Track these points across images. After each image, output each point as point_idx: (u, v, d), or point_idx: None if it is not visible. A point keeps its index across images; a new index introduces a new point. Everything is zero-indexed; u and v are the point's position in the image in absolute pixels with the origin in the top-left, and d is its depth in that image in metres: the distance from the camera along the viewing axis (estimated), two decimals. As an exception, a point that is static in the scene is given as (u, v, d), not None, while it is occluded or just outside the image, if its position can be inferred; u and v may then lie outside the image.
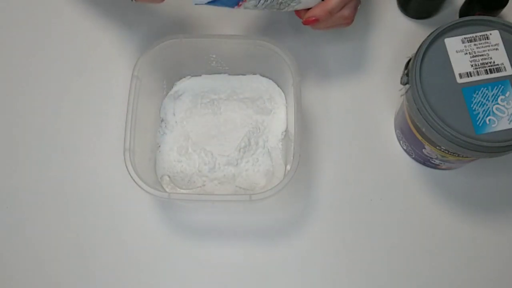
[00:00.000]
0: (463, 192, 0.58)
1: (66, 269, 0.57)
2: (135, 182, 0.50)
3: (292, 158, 0.51)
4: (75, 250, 0.57)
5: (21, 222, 0.58)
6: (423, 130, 0.48)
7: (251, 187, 0.57)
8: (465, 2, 0.63)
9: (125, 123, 0.52)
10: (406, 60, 0.50)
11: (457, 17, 0.63)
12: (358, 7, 0.54)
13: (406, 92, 0.49)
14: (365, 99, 0.61)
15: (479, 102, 0.46)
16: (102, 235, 0.58)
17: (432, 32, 0.48)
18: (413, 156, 0.58)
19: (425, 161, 0.57)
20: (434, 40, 0.48)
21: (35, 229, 0.58)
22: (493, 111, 0.46)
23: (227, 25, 0.64)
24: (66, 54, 0.63)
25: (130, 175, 0.50)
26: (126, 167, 0.50)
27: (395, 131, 0.59)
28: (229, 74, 0.61)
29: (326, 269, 0.57)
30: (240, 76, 0.61)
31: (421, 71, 0.47)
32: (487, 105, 0.46)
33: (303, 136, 0.53)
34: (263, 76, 0.61)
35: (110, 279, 0.57)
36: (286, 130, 0.59)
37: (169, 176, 0.58)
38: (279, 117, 0.60)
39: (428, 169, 0.59)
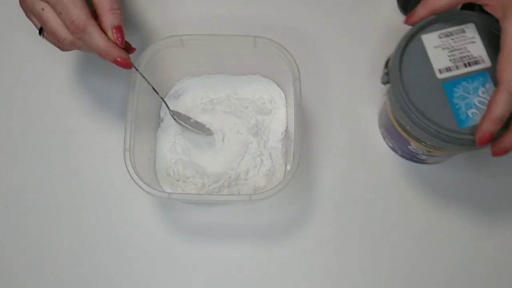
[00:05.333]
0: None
1: (66, 268, 0.57)
2: (135, 182, 0.50)
3: (292, 158, 0.51)
4: (75, 250, 0.57)
5: (21, 222, 0.58)
6: (407, 128, 0.48)
7: (251, 187, 0.57)
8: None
9: (125, 123, 0.52)
10: (385, 59, 0.50)
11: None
12: None
13: (388, 91, 0.49)
14: (365, 99, 0.61)
15: (460, 96, 0.46)
16: (102, 235, 0.57)
17: (409, 30, 0.49)
18: (399, 153, 0.58)
19: (412, 157, 0.57)
20: (412, 38, 0.48)
21: (35, 229, 0.58)
22: (475, 104, 0.46)
23: (227, 25, 0.64)
24: (65, 53, 0.63)
25: (130, 175, 0.50)
26: (126, 167, 0.50)
27: (380, 129, 0.59)
28: (229, 74, 0.61)
29: (326, 269, 0.57)
30: (240, 76, 0.61)
31: (401, 69, 0.47)
32: (468, 98, 0.46)
33: (303, 136, 0.53)
34: (263, 76, 0.61)
35: (111, 278, 0.57)
36: (286, 130, 0.59)
37: (169, 176, 0.58)
38: (279, 117, 0.60)
39: (416, 164, 0.59)
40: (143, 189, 0.50)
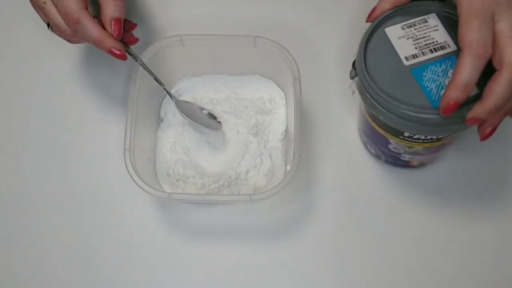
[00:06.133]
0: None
1: (66, 268, 0.57)
2: (135, 182, 0.50)
3: (292, 158, 0.51)
4: (75, 250, 0.57)
5: (21, 222, 0.58)
6: (381, 118, 0.47)
7: (251, 187, 0.57)
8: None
9: (125, 123, 0.52)
10: (353, 59, 0.50)
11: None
12: None
13: (357, 85, 0.49)
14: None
15: (430, 79, 0.46)
16: (102, 235, 0.57)
17: (371, 25, 0.48)
18: (383, 158, 0.58)
19: (395, 160, 0.57)
20: (374, 31, 0.48)
21: (34, 230, 0.58)
22: (445, 84, 0.46)
23: (227, 25, 0.64)
24: (65, 53, 0.63)
25: (130, 175, 0.50)
26: (126, 167, 0.50)
27: (360, 137, 0.59)
28: (229, 74, 0.61)
29: (326, 269, 0.57)
30: (240, 76, 0.61)
31: (366, 60, 0.47)
32: (438, 80, 0.46)
33: (303, 136, 0.53)
34: (263, 76, 0.61)
35: (111, 278, 0.57)
36: (286, 130, 0.59)
37: (169, 176, 0.58)
38: (279, 117, 0.60)
39: (402, 169, 0.58)
40: (143, 189, 0.50)
